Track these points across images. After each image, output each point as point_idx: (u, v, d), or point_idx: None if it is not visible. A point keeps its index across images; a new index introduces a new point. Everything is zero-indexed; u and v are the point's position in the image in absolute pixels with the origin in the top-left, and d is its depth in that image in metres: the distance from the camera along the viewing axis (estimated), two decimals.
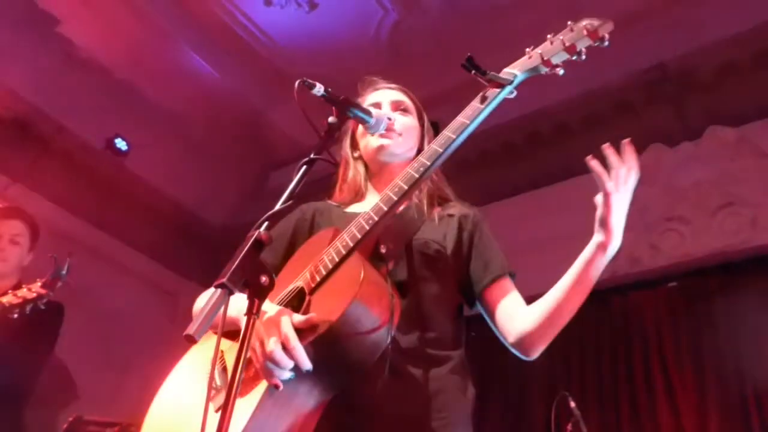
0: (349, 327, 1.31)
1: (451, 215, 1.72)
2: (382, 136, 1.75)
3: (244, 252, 1.19)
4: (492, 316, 1.64)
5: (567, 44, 1.47)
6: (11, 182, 4.70)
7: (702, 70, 4.30)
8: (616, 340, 4.28)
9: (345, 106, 1.56)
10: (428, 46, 4.68)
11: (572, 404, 3.03)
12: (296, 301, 1.47)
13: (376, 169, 1.85)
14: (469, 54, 1.49)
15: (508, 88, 1.51)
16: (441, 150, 1.48)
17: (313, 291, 1.44)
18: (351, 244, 1.45)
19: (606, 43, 1.48)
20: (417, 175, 1.48)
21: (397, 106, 1.84)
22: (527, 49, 1.53)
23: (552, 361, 4.40)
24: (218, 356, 1.51)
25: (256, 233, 1.22)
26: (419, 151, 1.81)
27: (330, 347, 1.30)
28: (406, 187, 1.48)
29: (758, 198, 4.07)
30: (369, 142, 1.81)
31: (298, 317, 1.35)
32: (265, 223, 1.26)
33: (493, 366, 4.05)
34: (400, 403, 1.43)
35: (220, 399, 1.40)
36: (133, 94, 5.07)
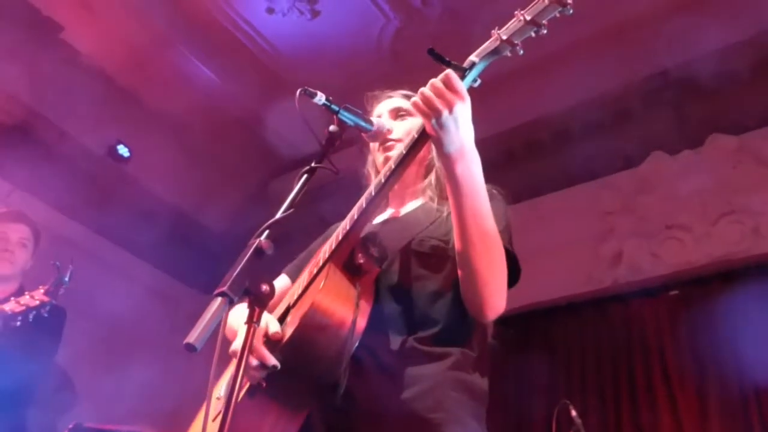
0: (309, 335, 1.34)
1: None
2: (385, 149, 1.75)
3: (244, 260, 1.19)
4: None
5: (528, 19, 1.38)
6: (13, 188, 4.71)
7: (703, 78, 4.30)
8: (618, 348, 4.27)
9: (345, 114, 1.56)
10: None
11: (573, 413, 3.02)
12: (284, 315, 1.51)
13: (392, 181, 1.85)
14: (430, 46, 1.45)
15: (470, 76, 1.44)
16: (405, 151, 1.47)
17: (294, 304, 1.48)
18: (327, 256, 1.48)
19: (570, 11, 1.36)
20: (383, 180, 1.48)
21: (395, 114, 1.82)
22: (492, 31, 1.45)
23: (553, 369, 4.39)
24: (218, 366, 1.54)
25: (257, 241, 1.23)
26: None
27: (296, 355, 1.34)
28: (373, 193, 1.48)
29: (759, 206, 4.07)
30: (377, 157, 1.81)
31: (272, 327, 1.39)
32: (266, 232, 1.27)
33: (493, 374, 4.04)
34: (391, 404, 1.41)
35: (218, 408, 1.44)
36: (136, 100, 5.09)
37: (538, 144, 4.84)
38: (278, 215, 1.34)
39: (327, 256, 1.48)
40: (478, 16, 4.40)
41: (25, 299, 2.58)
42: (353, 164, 1.98)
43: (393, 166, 1.47)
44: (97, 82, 4.87)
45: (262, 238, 1.24)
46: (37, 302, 2.56)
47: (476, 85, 1.46)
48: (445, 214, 1.64)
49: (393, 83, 1.96)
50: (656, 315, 4.24)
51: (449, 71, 1.40)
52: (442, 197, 1.70)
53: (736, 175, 4.21)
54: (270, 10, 4.58)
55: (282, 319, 1.48)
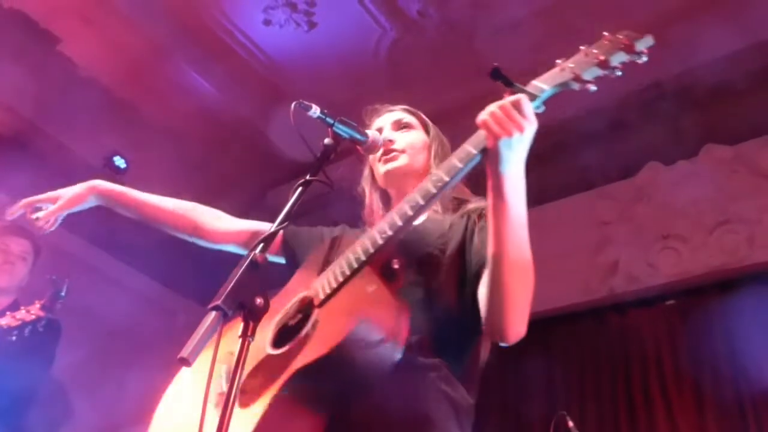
0: (354, 346, 1.28)
1: (462, 215, 1.68)
2: (386, 161, 1.76)
3: (239, 273, 1.19)
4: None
5: (600, 58, 1.38)
6: (9, 200, 4.71)
7: (698, 88, 4.32)
8: (614, 359, 4.27)
9: (340, 127, 1.57)
10: (427, 65, 4.71)
11: (570, 424, 3.02)
12: (304, 312, 1.45)
13: (393, 193, 1.85)
14: (495, 64, 1.42)
15: (535, 103, 1.43)
16: (461, 165, 1.43)
17: (321, 304, 1.42)
18: (363, 258, 1.42)
19: (644, 59, 1.37)
20: (434, 191, 1.43)
21: (398, 125, 1.84)
22: (558, 61, 1.44)
23: (551, 379, 4.39)
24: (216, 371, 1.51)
25: (252, 254, 1.23)
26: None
27: (336, 365, 1.29)
28: (422, 202, 1.43)
29: (755, 215, 4.09)
30: (377, 169, 1.81)
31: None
32: (261, 245, 1.27)
33: (490, 385, 4.04)
34: (379, 415, 1.39)
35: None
36: (132, 112, 5.09)
37: (534, 154, 4.83)
38: (273, 228, 1.34)
39: (364, 258, 1.42)
40: (475, 27, 4.43)
41: (21, 314, 2.58)
42: (350, 174, 1.99)
43: (447, 179, 1.42)
44: (94, 93, 4.88)
45: (257, 251, 1.24)
46: (33, 317, 2.56)
47: (540, 111, 1.45)
48: (448, 224, 1.66)
49: (390, 93, 1.98)
50: (653, 325, 4.25)
51: (523, 97, 1.39)
52: (445, 209, 1.72)
53: (732, 184, 4.23)
54: (267, 22, 4.60)
55: (302, 319, 1.42)
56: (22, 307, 2.60)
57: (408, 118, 1.86)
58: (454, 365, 1.52)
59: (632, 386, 4.12)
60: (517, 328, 1.44)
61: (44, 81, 4.71)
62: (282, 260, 1.89)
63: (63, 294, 2.57)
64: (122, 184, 5.65)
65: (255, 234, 1.91)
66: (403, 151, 1.77)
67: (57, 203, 1.99)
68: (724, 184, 4.24)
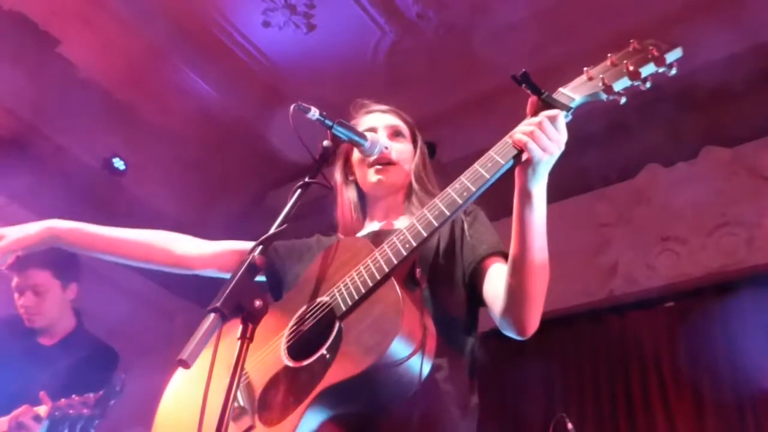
0: (389, 363, 1.25)
1: None
2: (378, 171, 1.74)
3: (238, 276, 1.18)
4: (487, 304, 1.55)
5: (631, 69, 1.32)
6: (8, 202, 4.71)
7: (697, 90, 4.33)
8: (614, 360, 4.27)
9: (339, 129, 1.57)
10: (425, 68, 4.72)
11: (569, 426, 3.01)
12: (325, 321, 1.42)
13: (372, 199, 1.84)
14: (524, 69, 1.37)
15: (563, 113, 1.39)
16: (488, 176, 1.40)
17: (344, 316, 1.37)
18: (387, 270, 1.37)
19: (674, 71, 1.31)
20: (460, 201, 1.39)
21: (392, 132, 1.82)
22: (585, 68, 1.39)
23: (550, 380, 4.38)
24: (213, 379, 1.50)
25: (251, 257, 1.23)
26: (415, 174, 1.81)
27: (368, 383, 1.26)
28: (448, 213, 1.39)
29: (753, 218, 4.09)
30: (367, 175, 1.78)
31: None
32: (260, 247, 1.27)
33: (489, 387, 4.03)
34: (389, 417, 1.38)
35: (246, 421, 1.36)
36: (132, 113, 5.09)
37: None
38: (272, 230, 1.34)
39: (388, 269, 1.37)
40: (473, 29, 4.43)
41: (75, 403, 2.54)
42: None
43: (473, 189, 1.39)
44: (93, 95, 4.88)
45: (256, 253, 1.24)
46: (85, 412, 2.54)
47: (568, 121, 1.41)
48: None
49: (389, 96, 1.97)
50: (652, 326, 4.25)
51: (561, 113, 1.36)
52: None
53: (730, 186, 4.23)
54: (266, 24, 4.60)
55: (323, 328, 1.39)
56: (75, 396, 2.57)
57: (402, 127, 1.85)
58: (456, 363, 1.53)
59: (631, 388, 4.12)
60: (535, 324, 1.49)
61: (43, 83, 4.71)
62: (262, 278, 1.85)
63: (119, 389, 2.57)
64: (121, 185, 5.67)
65: (234, 254, 1.89)
66: (396, 164, 1.76)
67: (2, 242, 1.80)
68: (724, 186, 4.24)
